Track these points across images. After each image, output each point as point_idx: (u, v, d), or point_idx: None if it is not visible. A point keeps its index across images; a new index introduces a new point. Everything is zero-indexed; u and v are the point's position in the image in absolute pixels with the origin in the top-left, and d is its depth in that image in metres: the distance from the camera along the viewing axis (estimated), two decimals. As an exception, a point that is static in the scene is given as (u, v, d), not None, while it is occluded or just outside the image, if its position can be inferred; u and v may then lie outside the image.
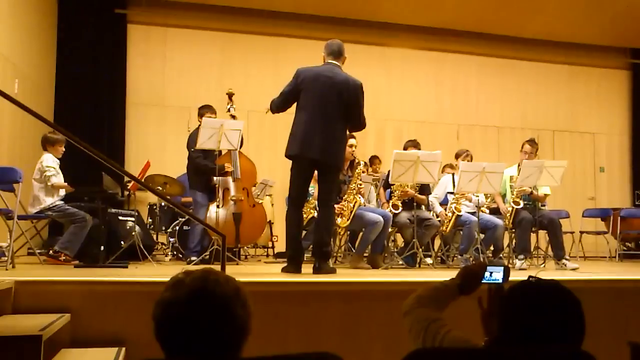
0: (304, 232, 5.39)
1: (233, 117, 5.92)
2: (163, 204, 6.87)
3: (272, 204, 7.79)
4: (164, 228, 6.90)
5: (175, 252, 6.40)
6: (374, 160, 7.99)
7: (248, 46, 9.01)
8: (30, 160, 5.96)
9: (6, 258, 4.43)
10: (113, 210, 6.21)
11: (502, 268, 1.88)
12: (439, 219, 6.06)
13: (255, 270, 5.22)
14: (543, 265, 6.19)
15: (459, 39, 9.76)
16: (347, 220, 5.58)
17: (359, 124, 4.70)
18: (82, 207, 5.57)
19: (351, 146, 5.70)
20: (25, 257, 5.99)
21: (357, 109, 4.57)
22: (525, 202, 5.89)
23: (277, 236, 7.57)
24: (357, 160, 5.83)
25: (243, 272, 4.52)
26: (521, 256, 5.69)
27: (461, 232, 6.04)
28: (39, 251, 5.50)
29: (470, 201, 6.08)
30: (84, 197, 5.78)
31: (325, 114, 4.46)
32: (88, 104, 8.16)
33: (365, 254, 5.69)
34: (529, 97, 10.30)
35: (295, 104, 4.60)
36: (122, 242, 5.73)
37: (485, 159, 6.65)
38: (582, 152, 10.47)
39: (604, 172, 10.58)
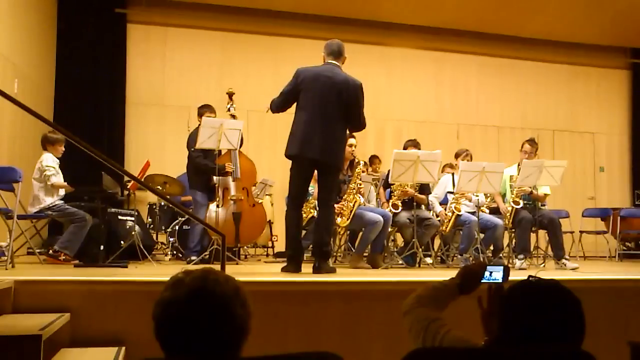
0: (303, 232, 5.40)
1: (233, 116, 5.92)
2: (163, 203, 6.87)
3: (272, 204, 7.79)
4: (163, 228, 6.89)
5: (175, 252, 6.40)
6: (373, 159, 8.00)
7: (248, 46, 9.01)
8: (30, 159, 5.96)
9: (6, 257, 4.43)
10: (113, 210, 6.23)
11: (501, 268, 1.88)
12: (438, 218, 6.06)
13: (255, 270, 5.23)
14: (543, 265, 6.19)
15: (459, 38, 9.75)
16: (347, 219, 5.57)
17: (359, 124, 4.70)
18: (82, 206, 5.57)
19: (351, 146, 5.70)
20: (25, 257, 5.98)
21: (357, 109, 4.57)
22: (525, 202, 5.89)
23: (276, 236, 7.57)
24: (357, 160, 5.82)
25: (243, 272, 4.53)
26: (521, 256, 5.69)
27: (461, 232, 6.04)
28: (38, 251, 5.49)
29: (470, 201, 6.08)
30: (84, 196, 5.78)
31: (325, 114, 4.46)
32: (88, 103, 8.15)
33: (365, 254, 5.69)
34: (528, 97, 10.30)
35: (295, 104, 4.60)
36: (122, 242, 5.74)
37: (485, 159, 6.64)
38: (582, 152, 10.47)
39: (603, 172, 10.57)
